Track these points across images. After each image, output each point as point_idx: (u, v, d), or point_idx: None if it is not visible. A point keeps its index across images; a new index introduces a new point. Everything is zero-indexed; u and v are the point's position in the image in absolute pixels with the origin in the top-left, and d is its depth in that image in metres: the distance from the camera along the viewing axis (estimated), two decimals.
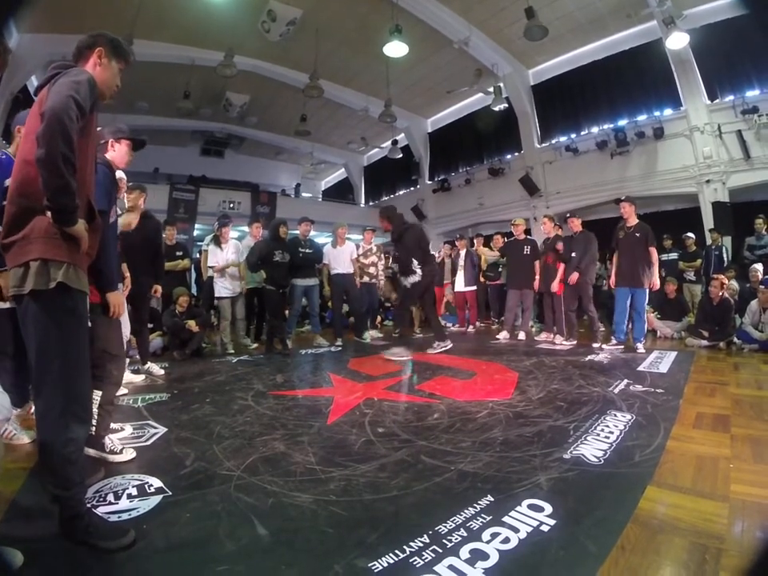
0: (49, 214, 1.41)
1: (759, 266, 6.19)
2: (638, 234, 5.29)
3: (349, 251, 6.59)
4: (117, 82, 1.76)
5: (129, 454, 2.24)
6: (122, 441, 2.40)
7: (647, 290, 5.27)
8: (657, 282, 5.33)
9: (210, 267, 5.92)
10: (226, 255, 5.82)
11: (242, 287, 5.96)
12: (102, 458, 2.18)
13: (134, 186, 3.83)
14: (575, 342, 5.86)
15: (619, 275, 5.41)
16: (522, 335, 6.58)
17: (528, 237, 7.07)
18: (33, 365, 1.46)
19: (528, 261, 6.65)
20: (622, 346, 5.33)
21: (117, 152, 2.41)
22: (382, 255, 7.26)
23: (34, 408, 1.76)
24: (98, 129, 1.80)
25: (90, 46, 1.67)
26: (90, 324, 1.67)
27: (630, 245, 5.32)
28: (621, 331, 5.44)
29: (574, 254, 5.78)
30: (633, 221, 5.40)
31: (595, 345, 5.57)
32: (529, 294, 6.75)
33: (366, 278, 6.96)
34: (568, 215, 6.23)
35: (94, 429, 2.14)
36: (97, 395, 2.14)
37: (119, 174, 3.30)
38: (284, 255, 5.59)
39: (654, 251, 5.23)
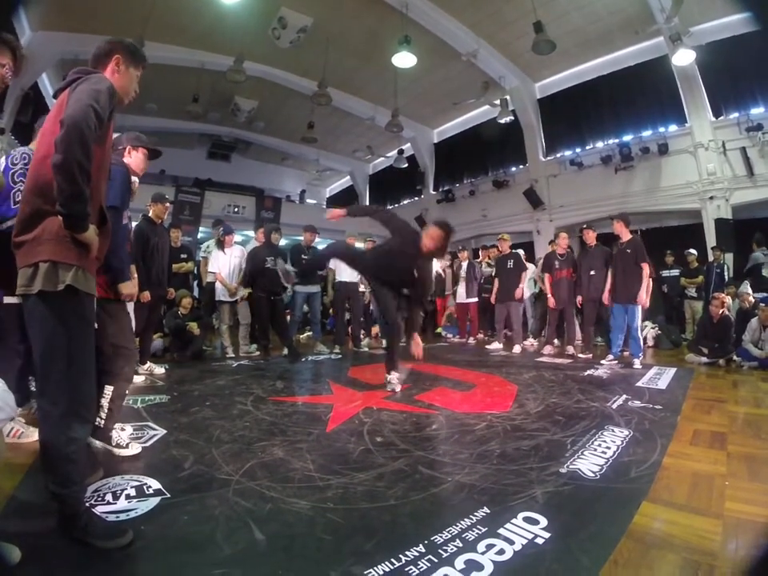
0: (60, 218, 1.43)
1: (748, 288, 6.32)
2: (628, 251, 5.30)
3: None
4: (135, 87, 1.80)
5: (134, 449, 2.27)
6: None
7: (640, 307, 5.20)
8: (644, 300, 5.19)
9: (211, 272, 5.90)
10: (230, 259, 5.84)
11: (244, 293, 5.95)
12: (108, 450, 2.22)
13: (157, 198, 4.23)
14: (590, 356, 5.94)
15: (615, 292, 5.41)
16: (517, 348, 6.65)
17: (512, 251, 7.24)
18: (37, 364, 1.47)
19: (513, 274, 6.84)
20: (616, 361, 5.32)
21: (133, 159, 2.53)
22: None
23: (36, 407, 1.78)
24: (116, 135, 1.84)
25: (107, 53, 1.69)
26: (99, 320, 1.71)
27: (622, 261, 5.34)
28: (617, 346, 5.44)
29: (592, 271, 5.84)
30: (626, 237, 5.39)
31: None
32: (515, 306, 6.88)
33: None
34: (584, 226, 6.26)
35: (103, 422, 2.20)
36: (108, 390, 2.20)
37: (132, 178, 3.37)
38: (275, 261, 5.58)
39: (645, 267, 5.17)
